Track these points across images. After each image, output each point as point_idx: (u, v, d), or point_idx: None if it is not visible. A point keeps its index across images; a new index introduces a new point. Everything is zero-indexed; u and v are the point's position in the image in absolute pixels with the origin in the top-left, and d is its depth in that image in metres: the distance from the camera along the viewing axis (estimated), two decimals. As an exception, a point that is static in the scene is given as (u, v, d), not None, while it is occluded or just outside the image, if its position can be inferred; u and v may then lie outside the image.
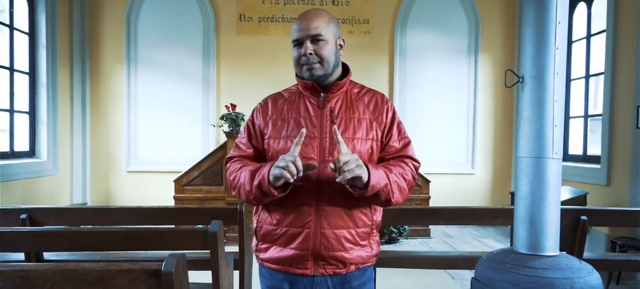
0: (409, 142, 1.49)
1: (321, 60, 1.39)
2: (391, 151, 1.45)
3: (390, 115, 1.46)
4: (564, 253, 1.64)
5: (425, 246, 5.00)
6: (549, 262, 1.56)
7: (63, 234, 1.96)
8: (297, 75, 1.46)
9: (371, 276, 1.48)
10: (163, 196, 5.37)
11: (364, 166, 1.28)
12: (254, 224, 1.47)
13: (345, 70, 1.49)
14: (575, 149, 5.31)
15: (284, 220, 1.37)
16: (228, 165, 1.49)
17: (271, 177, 1.28)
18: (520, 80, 1.65)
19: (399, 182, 1.38)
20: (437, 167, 5.97)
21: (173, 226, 3.09)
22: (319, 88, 1.42)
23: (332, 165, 1.25)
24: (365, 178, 1.28)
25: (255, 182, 1.33)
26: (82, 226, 2.58)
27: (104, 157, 6.01)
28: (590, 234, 4.69)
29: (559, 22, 1.57)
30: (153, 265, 1.34)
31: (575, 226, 2.72)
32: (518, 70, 1.67)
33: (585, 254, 3.10)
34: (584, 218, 2.69)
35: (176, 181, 5.12)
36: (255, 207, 1.47)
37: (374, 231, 1.46)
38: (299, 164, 1.25)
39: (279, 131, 1.41)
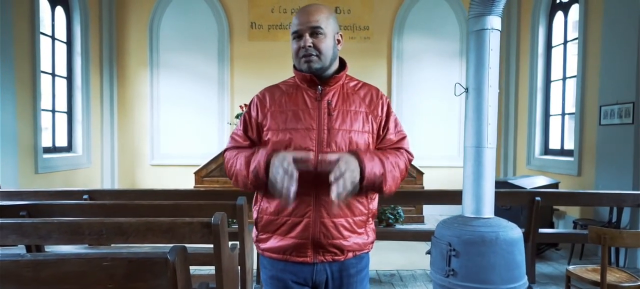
0: (404, 136, 1.52)
1: (319, 54, 1.39)
2: (387, 143, 1.47)
3: (386, 109, 1.48)
4: (497, 216, 2.25)
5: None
6: (484, 222, 2.17)
7: (128, 207, 2.59)
8: (295, 67, 1.46)
9: (367, 263, 1.52)
10: (183, 186, 5.93)
11: (356, 160, 1.29)
12: (254, 215, 1.49)
13: (342, 64, 1.50)
14: (555, 144, 5.85)
15: (284, 210, 1.38)
16: (225, 154, 1.51)
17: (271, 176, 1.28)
18: (466, 91, 2.25)
19: (394, 172, 1.38)
20: (431, 161, 6.54)
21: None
22: (317, 81, 1.43)
23: (332, 177, 1.23)
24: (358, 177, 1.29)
25: (252, 167, 1.33)
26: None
27: (130, 151, 6.67)
28: (565, 219, 5.27)
29: (492, 49, 2.17)
30: (205, 219, 1.98)
31: (531, 205, 3.31)
32: (466, 83, 2.27)
33: (545, 230, 3.71)
34: (538, 198, 3.29)
35: (196, 173, 5.75)
36: (254, 198, 1.50)
37: (370, 219, 1.48)
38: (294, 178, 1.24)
39: (278, 123, 1.41)
